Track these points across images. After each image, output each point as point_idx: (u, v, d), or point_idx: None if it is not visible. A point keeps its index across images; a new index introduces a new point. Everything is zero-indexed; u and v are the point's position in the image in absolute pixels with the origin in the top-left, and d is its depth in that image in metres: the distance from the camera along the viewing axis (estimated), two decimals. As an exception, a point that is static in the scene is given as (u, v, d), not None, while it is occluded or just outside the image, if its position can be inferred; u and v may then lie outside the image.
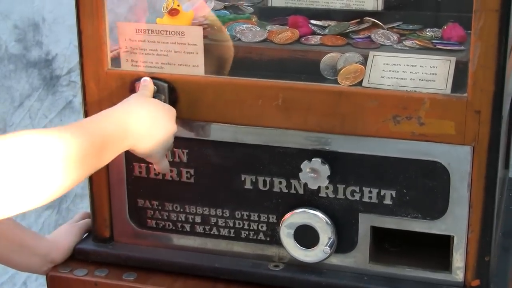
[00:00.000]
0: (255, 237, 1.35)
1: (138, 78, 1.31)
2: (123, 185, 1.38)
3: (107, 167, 1.35)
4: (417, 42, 1.40)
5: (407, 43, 1.40)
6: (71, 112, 2.15)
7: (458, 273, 1.27)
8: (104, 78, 1.33)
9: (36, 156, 0.99)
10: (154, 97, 1.29)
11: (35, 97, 2.16)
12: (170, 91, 1.30)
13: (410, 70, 1.25)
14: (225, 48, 1.42)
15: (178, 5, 1.39)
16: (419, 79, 1.24)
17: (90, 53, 1.32)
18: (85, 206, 1.36)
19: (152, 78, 1.30)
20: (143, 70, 1.33)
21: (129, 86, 1.32)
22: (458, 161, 1.22)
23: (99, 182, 1.38)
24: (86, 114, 1.35)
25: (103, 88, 1.33)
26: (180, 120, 1.31)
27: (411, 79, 1.24)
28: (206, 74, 1.31)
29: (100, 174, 1.36)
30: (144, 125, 1.20)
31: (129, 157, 1.35)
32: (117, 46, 1.35)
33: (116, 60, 1.35)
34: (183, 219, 1.37)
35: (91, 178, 1.38)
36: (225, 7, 1.58)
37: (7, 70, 2.15)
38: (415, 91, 1.22)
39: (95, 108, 1.33)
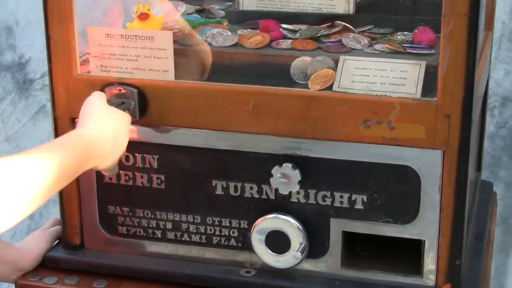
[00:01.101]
0: (226, 243, 1.35)
1: (108, 84, 1.30)
2: (94, 192, 1.37)
3: None
4: (387, 46, 1.40)
5: (378, 47, 1.41)
6: (44, 117, 2.15)
7: (429, 277, 1.27)
8: (73, 83, 1.32)
9: (7, 185, 1.00)
10: (123, 103, 1.29)
11: (8, 100, 2.16)
12: (139, 97, 1.30)
13: (380, 74, 1.26)
14: (203, 53, 1.42)
15: (149, 10, 1.39)
16: (390, 83, 1.24)
17: (59, 59, 1.32)
18: (58, 212, 1.36)
19: (122, 83, 1.30)
20: (113, 76, 1.32)
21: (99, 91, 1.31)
22: (429, 165, 1.22)
23: (69, 189, 1.36)
24: (55, 120, 1.35)
25: (72, 94, 1.32)
26: (150, 125, 1.31)
27: (381, 83, 1.25)
28: (176, 79, 1.31)
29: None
30: (108, 146, 1.21)
31: None
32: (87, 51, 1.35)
33: (85, 65, 1.34)
34: (154, 225, 1.37)
35: None
36: (197, 11, 1.58)
37: None
38: (385, 95, 1.23)
39: (65, 113, 1.34)
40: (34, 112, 2.14)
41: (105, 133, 1.20)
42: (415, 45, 1.40)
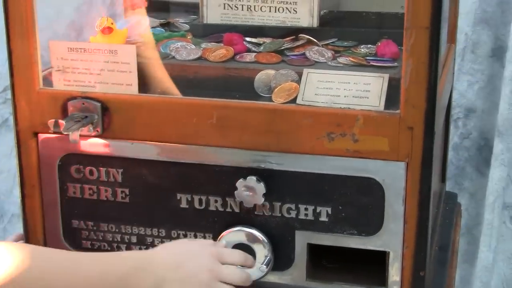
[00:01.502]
0: None
1: (71, 98, 1.30)
2: (57, 206, 1.37)
3: (40, 187, 1.35)
4: (351, 59, 1.42)
5: (341, 60, 1.42)
6: (7, 131, 2.14)
7: None
8: (36, 97, 1.32)
9: None
10: (86, 117, 1.29)
11: None
12: (103, 111, 1.30)
13: (344, 87, 1.26)
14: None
15: (112, 23, 1.40)
16: (353, 96, 1.25)
17: (21, 73, 1.31)
18: (20, 228, 1.35)
19: (85, 97, 1.30)
20: (76, 89, 1.32)
21: (62, 106, 1.31)
22: (393, 177, 1.23)
23: (32, 203, 1.37)
24: (18, 134, 1.34)
25: (35, 108, 1.32)
26: (114, 139, 1.31)
27: (345, 96, 1.25)
28: (140, 93, 1.31)
29: (33, 195, 1.36)
30: (172, 260, 1.21)
31: (63, 177, 1.35)
32: (49, 65, 1.34)
33: (48, 79, 1.34)
34: (119, 239, 1.37)
35: (23, 199, 1.37)
36: (161, 25, 1.59)
37: None
38: (349, 108, 1.24)
39: (27, 127, 1.33)
40: None
41: (168, 248, 1.23)
42: (378, 58, 1.42)
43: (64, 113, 1.31)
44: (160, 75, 1.40)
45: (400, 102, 1.20)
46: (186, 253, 1.24)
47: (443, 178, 1.73)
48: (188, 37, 1.53)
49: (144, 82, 1.33)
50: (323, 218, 1.28)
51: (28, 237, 1.38)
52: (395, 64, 1.37)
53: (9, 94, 2.09)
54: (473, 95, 1.94)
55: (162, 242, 1.35)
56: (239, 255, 1.27)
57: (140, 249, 1.36)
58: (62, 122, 1.27)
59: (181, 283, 1.21)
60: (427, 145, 1.21)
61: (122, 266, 1.18)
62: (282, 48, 1.47)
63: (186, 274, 1.21)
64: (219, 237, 1.31)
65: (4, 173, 2.16)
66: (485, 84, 1.94)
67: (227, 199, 1.30)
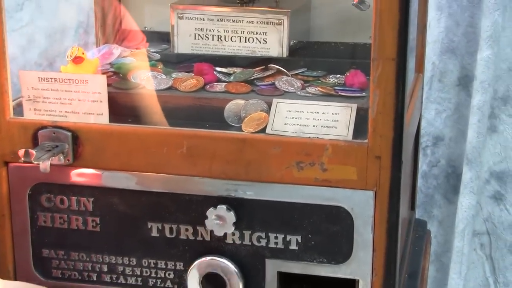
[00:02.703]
0: (162, 285, 1.35)
1: (41, 127, 1.30)
2: (27, 235, 1.36)
3: (10, 217, 1.35)
4: (320, 89, 1.42)
5: (311, 90, 1.42)
6: None
7: None
8: (6, 127, 1.32)
9: None
10: (57, 146, 1.29)
11: None
12: (73, 140, 1.30)
13: (312, 117, 1.27)
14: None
15: (83, 53, 1.40)
16: (322, 126, 1.26)
17: None
18: None
19: (55, 127, 1.30)
20: (46, 119, 1.32)
21: (32, 135, 1.31)
22: (361, 206, 1.24)
23: (2, 233, 1.36)
24: None
25: (5, 137, 1.32)
26: (85, 168, 1.31)
27: (313, 125, 1.26)
28: (110, 123, 1.31)
29: (3, 225, 1.35)
30: None
31: (33, 207, 1.35)
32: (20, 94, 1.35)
33: (19, 108, 1.34)
34: (90, 268, 1.36)
35: None
36: (132, 54, 1.58)
37: None
38: (317, 137, 1.24)
39: None
40: None
41: None
42: (347, 88, 1.42)
43: (35, 143, 1.31)
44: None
45: (368, 132, 1.21)
46: None
47: (412, 206, 1.74)
48: (159, 67, 1.53)
49: (114, 112, 1.33)
50: (293, 246, 1.28)
51: None
52: (363, 94, 1.38)
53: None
54: (441, 123, 1.95)
55: (133, 271, 1.35)
56: None
57: (110, 278, 1.36)
58: (32, 151, 1.26)
59: None
60: (395, 174, 1.22)
61: None
62: (252, 78, 1.47)
63: None
64: (190, 266, 1.31)
65: None
66: (452, 112, 1.95)
67: (197, 227, 1.31)
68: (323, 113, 1.27)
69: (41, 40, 1.81)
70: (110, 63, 1.51)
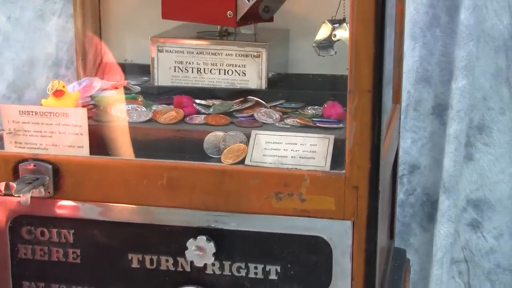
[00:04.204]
0: None
1: (22, 160, 1.30)
2: (8, 268, 1.35)
3: None
4: (298, 120, 1.43)
5: (289, 121, 1.44)
6: None
7: None
8: None
9: None
10: (37, 179, 1.28)
11: None
12: (54, 172, 1.30)
13: (291, 148, 1.27)
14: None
15: (64, 86, 1.41)
16: (300, 157, 1.26)
17: None
18: None
19: (36, 159, 1.30)
20: (27, 152, 1.32)
21: (13, 168, 1.31)
22: (339, 235, 1.24)
23: None
24: None
25: None
26: (66, 201, 1.31)
27: (292, 156, 1.26)
28: (91, 155, 1.32)
29: None
30: None
31: (14, 239, 1.34)
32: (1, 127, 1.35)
33: (0, 141, 1.34)
34: None
35: None
36: (112, 87, 1.58)
37: None
38: (296, 168, 1.25)
39: None
40: None
41: None
42: (324, 119, 1.43)
43: (15, 175, 1.30)
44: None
45: (345, 162, 1.21)
46: None
47: (391, 235, 1.74)
48: (139, 99, 1.54)
49: (95, 144, 1.33)
50: (273, 276, 1.28)
51: None
52: (341, 125, 1.39)
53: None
54: (416, 152, 1.96)
55: None
56: None
57: None
58: (13, 184, 1.26)
59: None
60: (372, 204, 1.22)
61: None
62: (231, 110, 1.48)
63: None
64: None
65: None
66: (427, 140, 1.97)
67: (178, 258, 1.30)
68: (301, 144, 1.28)
69: (8, 72, 1.81)
70: (90, 96, 1.52)
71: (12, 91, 1.82)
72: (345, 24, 1.44)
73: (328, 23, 1.45)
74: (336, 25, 1.44)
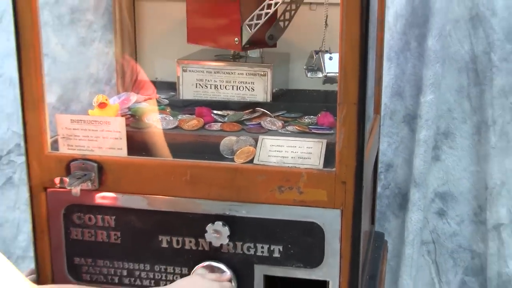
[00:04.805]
0: None
1: (73, 159, 1.30)
2: (62, 247, 1.36)
3: (48, 232, 1.35)
4: (296, 127, 1.43)
5: (289, 128, 1.44)
6: (11, 187, 2.09)
7: None
8: (45, 159, 1.32)
9: None
10: (85, 175, 1.29)
11: None
12: (99, 170, 1.30)
13: (291, 150, 1.28)
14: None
15: (106, 100, 1.41)
16: (298, 157, 1.26)
17: (33, 140, 1.31)
18: (25, 267, 1.31)
19: (84, 159, 1.30)
20: (77, 153, 1.32)
21: (66, 166, 1.31)
22: (330, 221, 1.24)
23: (42, 245, 1.36)
24: (31, 189, 1.33)
25: (44, 168, 1.32)
26: (108, 193, 1.31)
27: (292, 157, 1.27)
28: (129, 155, 1.32)
29: (43, 238, 1.35)
30: None
31: (67, 224, 1.34)
32: (56, 133, 1.35)
33: (55, 144, 1.34)
34: (112, 273, 1.36)
35: (35, 242, 1.35)
36: (145, 100, 1.58)
37: None
38: (295, 167, 1.25)
39: (39, 183, 1.33)
40: (2, 183, 2.06)
41: None
42: (319, 127, 1.43)
43: (68, 172, 1.31)
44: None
45: (335, 162, 1.22)
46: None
47: (372, 221, 1.73)
48: (167, 110, 1.53)
49: (131, 147, 1.33)
50: (276, 254, 1.29)
51: (38, 272, 1.37)
52: (332, 131, 1.39)
53: (11, 157, 2.07)
54: (391, 153, 1.94)
55: (147, 275, 1.34)
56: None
57: (129, 281, 1.36)
58: (66, 179, 1.28)
59: None
60: (357, 196, 1.23)
61: None
62: (242, 119, 1.48)
63: None
64: (193, 270, 1.31)
65: (9, 222, 2.11)
66: (399, 144, 1.95)
67: (199, 239, 1.31)
68: (299, 147, 1.28)
69: (57, 88, 1.81)
70: (128, 107, 1.52)
71: (60, 103, 1.82)
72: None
73: (314, 53, 1.46)
74: (325, 53, 1.45)
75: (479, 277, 1.97)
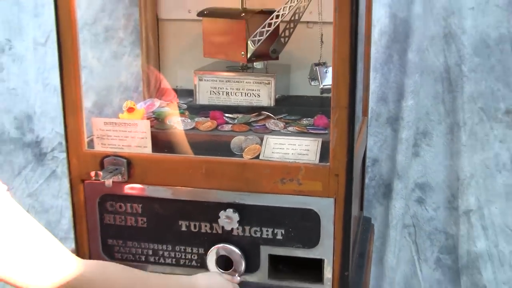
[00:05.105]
0: (189, 264, 1.35)
1: (106, 156, 1.30)
2: (98, 230, 1.36)
3: (86, 217, 1.35)
4: (296, 128, 1.43)
5: (290, 129, 1.43)
6: (54, 179, 2.10)
7: (328, 284, 1.29)
8: (83, 156, 1.32)
9: None
10: (116, 169, 1.29)
11: (29, 168, 2.11)
12: (127, 164, 1.30)
13: (291, 147, 1.27)
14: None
15: (134, 105, 1.41)
16: (298, 153, 1.26)
17: (73, 139, 1.31)
18: (67, 247, 1.31)
19: (115, 155, 1.30)
20: (109, 150, 1.32)
21: (100, 162, 1.31)
22: (325, 208, 1.24)
23: (80, 228, 1.36)
24: (71, 181, 1.33)
25: (82, 163, 1.32)
26: (135, 184, 1.31)
27: (292, 153, 1.26)
28: (153, 152, 1.32)
29: (81, 222, 1.35)
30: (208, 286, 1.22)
31: (101, 210, 1.34)
32: (92, 134, 1.35)
33: (91, 143, 1.34)
34: (140, 252, 1.36)
35: (75, 225, 1.35)
36: (167, 105, 1.58)
37: (9, 149, 2.11)
38: (295, 161, 1.25)
39: (77, 176, 1.33)
40: (47, 176, 2.08)
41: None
42: (315, 127, 1.43)
43: (102, 167, 1.31)
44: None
45: (329, 157, 1.22)
46: (216, 284, 1.26)
47: (361, 207, 1.72)
48: (186, 114, 1.53)
49: (155, 145, 1.33)
50: (279, 236, 1.29)
51: (78, 251, 1.37)
52: (326, 131, 1.38)
53: (55, 153, 2.08)
54: (377, 150, 1.94)
55: (169, 254, 1.34)
56: None
57: (154, 259, 1.36)
58: (100, 172, 1.28)
59: None
60: (348, 186, 1.23)
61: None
62: (250, 121, 1.47)
63: None
64: (208, 251, 1.31)
65: (53, 208, 2.12)
66: (383, 142, 1.95)
67: (213, 224, 1.31)
68: (298, 145, 1.28)
69: (92, 95, 1.82)
70: (152, 111, 1.51)
71: (95, 108, 1.82)
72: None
73: (313, 65, 1.46)
74: (322, 67, 1.44)
75: (451, 255, 1.97)
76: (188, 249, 1.34)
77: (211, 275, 1.28)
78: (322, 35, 1.40)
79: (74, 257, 1.09)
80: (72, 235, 1.38)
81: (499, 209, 1.89)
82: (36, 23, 1.98)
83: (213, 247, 1.32)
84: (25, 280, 1.03)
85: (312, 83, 1.46)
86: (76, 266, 1.07)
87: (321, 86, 1.41)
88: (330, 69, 1.39)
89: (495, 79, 1.83)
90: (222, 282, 1.26)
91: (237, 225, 1.29)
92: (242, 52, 1.49)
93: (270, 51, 1.52)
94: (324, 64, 1.42)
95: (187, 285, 1.23)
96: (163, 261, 1.36)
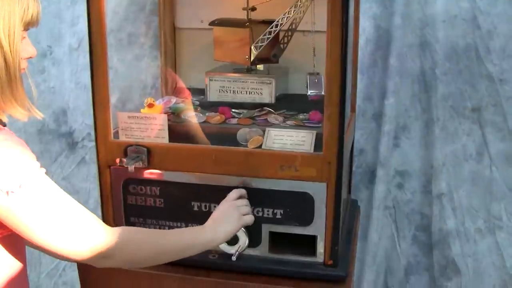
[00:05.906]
0: None
1: (129, 145, 1.30)
2: (121, 209, 1.36)
3: (112, 198, 1.34)
4: (294, 122, 1.42)
5: (288, 122, 1.42)
6: (84, 165, 2.11)
7: (320, 257, 1.29)
8: (109, 145, 1.32)
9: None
10: (138, 156, 1.28)
11: (63, 155, 2.13)
12: (148, 153, 1.30)
13: (290, 138, 1.27)
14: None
15: (153, 101, 1.40)
16: (295, 144, 1.26)
17: (101, 131, 1.31)
18: None
19: (137, 145, 1.29)
20: (132, 140, 1.32)
21: (124, 150, 1.30)
22: (319, 192, 1.24)
23: (107, 208, 1.35)
24: (99, 167, 1.33)
25: (109, 151, 1.32)
26: (154, 170, 1.31)
27: (290, 144, 1.26)
28: (170, 142, 1.32)
29: (108, 202, 1.35)
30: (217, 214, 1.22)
31: (125, 192, 1.34)
32: (117, 126, 1.35)
33: (116, 134, 1.34)
34: (158, 228, 1.35)
35: (102, 205, 1.35)
36: (182, 102, 1.57)
37: (47, 139, 2.12)
38: (293, 151, 1.25)
39: (105, 162, 1.32)
40: (78, 162, 2.10)
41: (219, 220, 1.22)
42: (310, 121, 1.42)
43: (125, 154, 1.31)
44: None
45: (323, 147, 1.22)
46: (224, 210, 1.24)
47: (349, 191, 1.72)
48: (198, 109, 1.52)
49: (172, 136, 1.32)
50: (278, 216, 1.28)
51: None
52: (320, 125, 1.37)
53: (85, 143, 2.09)
54: (363, 141, 1.95)
55: None
56: (243, 201, 1.26)
57: None
58: (124, 159, 1.28)
59: (226, 220, 1.22)
60: (339, 173, 1.22)
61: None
62: (253, 115, 1.47)
63: (226, 215, 1.22)
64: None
65: (82, 190, 2.13)
66: (369, 135, 1.95)
67: None
68: (295, 136, 1.27)
69: (116, 92, 1.81)
70: (169, 107, 1.51)
71: (120, 103, 1.82)
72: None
73: (307, 74, 1.45)
74: (313, 76, 1.43)
75: (426, 232, 1.98)
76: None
77: (218, 208, 1.25)
78: (314, 48, 1.40)
79: (105, 225, 1.09)
80: (99, 213, 1.37)
81: (465, 193, 1.90)
82: (72, 31, 2.01)
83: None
84: (64, 247, 1.02)
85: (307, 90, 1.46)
86: (109, 232, 1.06)
87: (308, 93, 1.40)
88: (320, 78, 1.38)
89: (463, 81, 1.84)
90: (227, 207, 1.23)
91: (242, 205, 1.27)
92: (247, 56, 1.49)
93: (271, 56, 1.53)
94: (317, 74, 1.41)
95: (198, 228, 1.21)
96: (178, 237, 1.34)
